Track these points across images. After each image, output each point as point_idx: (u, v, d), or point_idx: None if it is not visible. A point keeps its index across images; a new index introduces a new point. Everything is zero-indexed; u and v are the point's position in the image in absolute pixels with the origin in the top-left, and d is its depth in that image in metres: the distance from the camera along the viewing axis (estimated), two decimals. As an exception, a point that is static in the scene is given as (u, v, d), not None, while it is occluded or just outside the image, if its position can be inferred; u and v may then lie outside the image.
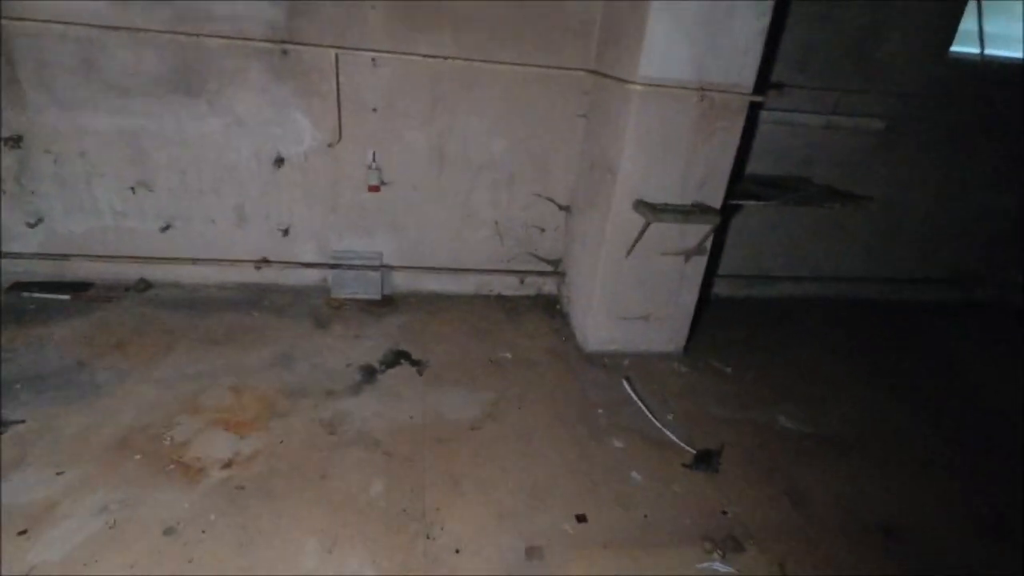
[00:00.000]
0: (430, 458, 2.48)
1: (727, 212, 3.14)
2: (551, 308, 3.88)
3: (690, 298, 3.30)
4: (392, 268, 3.77)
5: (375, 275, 3.71)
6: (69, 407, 2.54)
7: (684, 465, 2.57)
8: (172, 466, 2.28)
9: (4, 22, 2.88)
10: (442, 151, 3.52)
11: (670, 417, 2.90)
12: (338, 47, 3.16)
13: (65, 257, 3.46)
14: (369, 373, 3.00)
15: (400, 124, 3.41)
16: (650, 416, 2.87)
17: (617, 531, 2.21)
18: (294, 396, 2.76)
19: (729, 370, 3.36)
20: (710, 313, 3.89)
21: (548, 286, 3.99)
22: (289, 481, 2.27)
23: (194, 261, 3.57)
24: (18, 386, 2.63)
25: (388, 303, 3.71)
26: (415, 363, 3.13)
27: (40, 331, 3.05)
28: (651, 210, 2.90)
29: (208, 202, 3.45)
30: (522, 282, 3.95)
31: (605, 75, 3.19)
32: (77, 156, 3.24)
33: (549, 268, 3.94)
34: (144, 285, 3.56)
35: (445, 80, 3.34)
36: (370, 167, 3.46)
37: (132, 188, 3.35)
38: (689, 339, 3.46)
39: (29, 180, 3.25)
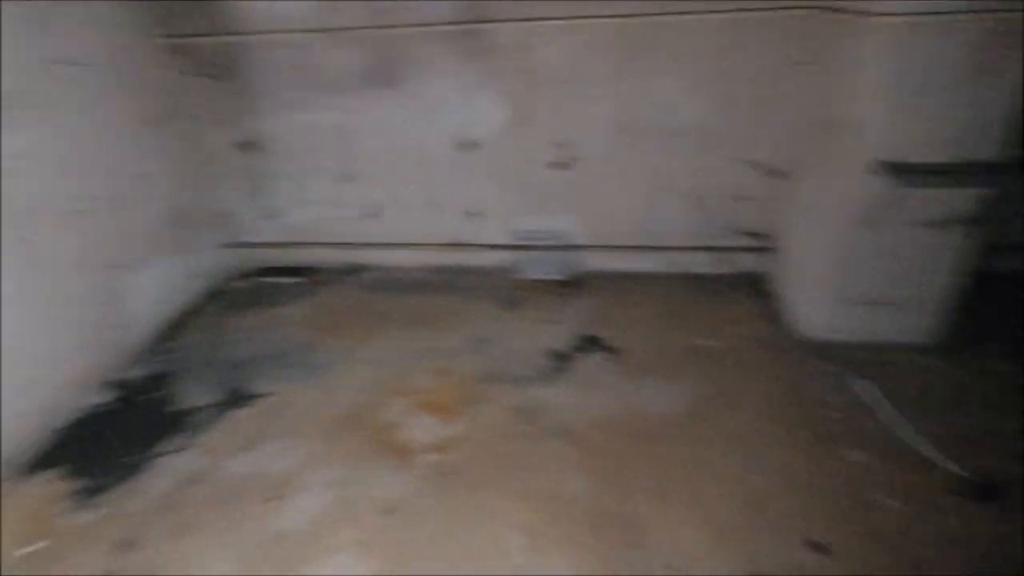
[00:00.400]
0: (632, 457, 2.31)
1: (1010, 171, 2.42)
2: (757, 288, 3.43)
3: (952, 277, 2.64)
4: (579, 247, 3.63)
5: (561, 255, 3.60)
6: (303, 383, 2.84)
7: (954, 493, 2.06)
8: (387, 447, 2.42)
9: (237, 37, 3.25)
10: (632, 119, 3.23)
11: (926, 427, 2.36)
12: (522, 19, 3.03)
13: (292, 245, 3.90)
14: (562, 359, 2.91)
15: (586, 94, 3.19)
16: (898, 424, 2.37)
17: (873, 571, 1.84)
18: (490, 381, 2.78)
19: (1005, 368, 2.65)
20: (980, 293, 3.09)
21: (753, 263, 3.53)
22: (491, 471, 2.28)
23: (394, 246, 3.79)
24: (264, 362, 3.01)
25: (575, 284, 3.58)
26: (609, 350, 2.96)
27: (278, 312, 3.48)
28: (902, 172, 2.33)
29: (404, 188, 3.60)
30: (722, 260, 3.54)
31: (837, 10, 2.62)
32: (298, 153, 3.59)
33: (756, 243, 3.47)
34: (354, 269, 3.88)
35: (636, 40, 3.03)
36: (555, 143, 3.32)
37: (341, 180, 3.63)
38: (949, 328, 2.79)
39: (266, 178, 3.69)
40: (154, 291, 3.22)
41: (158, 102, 3.22)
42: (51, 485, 2.31)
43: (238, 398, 2.76)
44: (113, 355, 2.93)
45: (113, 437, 2.55)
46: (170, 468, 2.36)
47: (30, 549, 2.03)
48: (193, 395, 2.80)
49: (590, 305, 3.37)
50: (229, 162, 3.64)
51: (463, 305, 3.43)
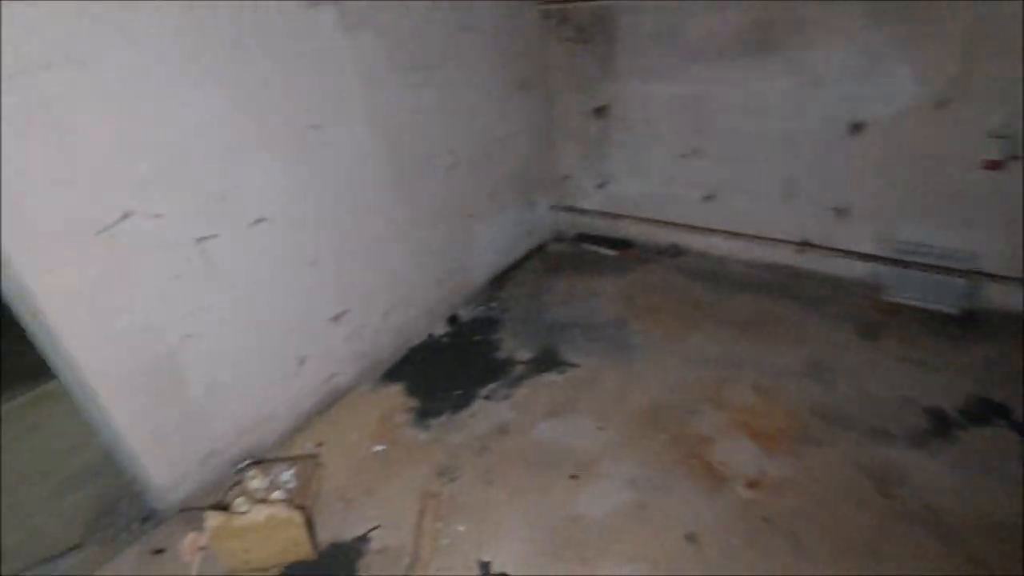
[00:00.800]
0: (1057, 601, 1.59)
1: None
2: None
3: None
4: (989, 276, 2.69)
5: (957, 282, 2.72)
6: (611, 362, 2.75)
7: None
8: (695, 461, 2.16)
9: (610, 2, 3.17)
10: None
11: None
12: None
13: (618, 216, 3.82)
14: (940, 421, 2.20)
15: (1069, 66, 2.24)
16: None
17: None
18: (830, 422, 2.26)
19: None
20: None
21: None
22: (827, 538, 1.82)
23: (728, 234, 3.39)
24: (576, 331, 3.02)
25: (971, 323, 2.69)
26: (1021, 429, 2.13)
27: (593, 282, 3.46)
28: None
29: (756, 172, 3.15)
30: None
31: None
32: (644, 123, 3.43)
33: None
34: (676, 251, 3.63)
35: None
36: (994, 133, 2.44)
37: (684, 155, 3.35)
38: None
39: (604, 146, 3.65)
40: (493, 242, 3.49)
41: (528, 67, 3.39)
42: (396, 397, 2.69)
43: (549, 361, 2.81)
44: (456, 294, 3.29)
45: (445, 368, 2.86)
46: (487, 412, 2.53)
47: (378, 448, 2.39)
48: (511, 347, 2.96)
49: (992, 356, 2.48)
50: (576, 127, 3.69)
51: (804, 317, 2.88)
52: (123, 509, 2.18)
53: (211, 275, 2.08)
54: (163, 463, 2.08)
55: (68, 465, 2.45)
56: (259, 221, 2.18)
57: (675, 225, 3.60)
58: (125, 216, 1.82)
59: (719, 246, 3.47)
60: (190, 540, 1.98)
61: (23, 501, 2.30)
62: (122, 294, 1.85)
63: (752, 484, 2.04)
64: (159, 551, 2.02)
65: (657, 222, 3.67)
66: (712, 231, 3.45)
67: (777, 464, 2.11)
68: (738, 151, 3.15)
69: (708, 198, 3.37)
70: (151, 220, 1.88)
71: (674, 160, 3.41)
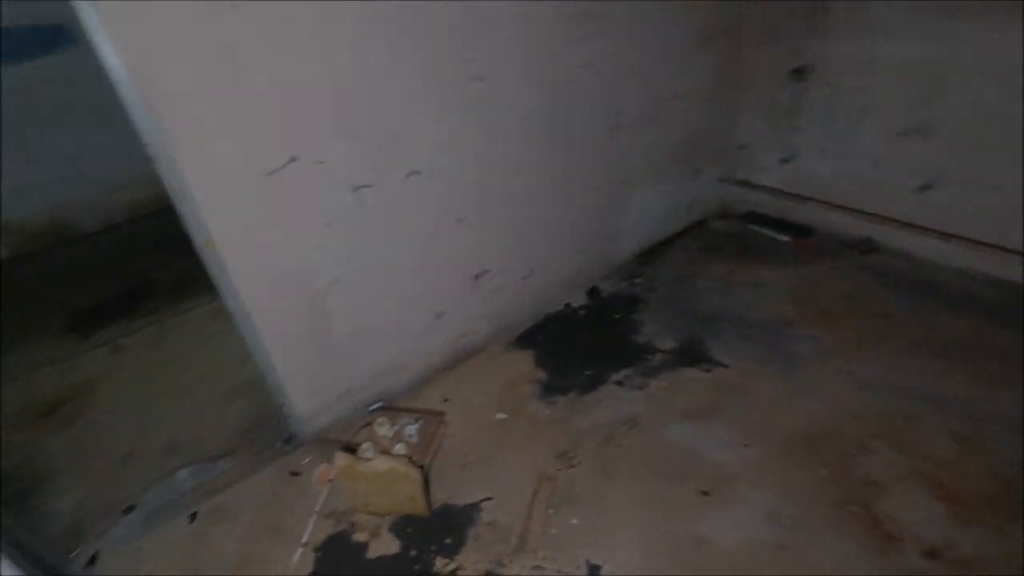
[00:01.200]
0: None
1: None
2: None
3: None
4: None
5: None
6: (765, 368, 2.41)
7: None
8: (857, 508, 1.82)
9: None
10: None
11: None
12: None
13: (799, 198, 3.31)
14: None
15: None
16: None
17: None
18: (1058, 498, 1.77)
19: None
20: None
21: None
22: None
23: (944, 235, 2.77)
24: (728, 325, 2.69)
25: None
26: None
27: (756, 271, 3.05)
28: None
29: (1001, 161, 2.49)
30: None
31: None
32: (853, 91, 2.86)
33: None
34: (868, 247, 3.06)
35: None
36: None
37: (902, 133, 2.75)
38: None
39: (797, 115, 3.13)
40: (647, 213, 3.20)
41: (715, 17, 2.95)
42: (525, 365, 2.61)
43: (693, 355, 2.54)
44: (599, 265, 3.09)
45: (578, 342, 2.72)
46: (616, 399, 2.36)
47: (500, 416, 2.35)
48: (651, 331, 2.73)
49: None
50: (764, 89, 3.20)
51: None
52: (271, 427, 2.39)
53: (363, 224, 2.11)
54: (305, 394, 2.23)
55: (235, 375, 2.73)
56: (413, 174, 2.16)
57: (873, 216, 3.02)
58: (292, 160, 1.87)
59: (928, 248, 2.84)
60: (322, 471, 2.12)
61: (197, 401, 2.63)
62: (282, 235, 1.93)
63: (931, 554, 1.67)
64: (295, 474, 2.18)
65: (850, 210, 3.11)
66: (922, 228, 2.84)
67: (970, 536, 1.70)
68: (979, 132, 2.51)
69: (925, 187, 2.75)
70: (314, 166, 1.92)
71: (887, 137, 2.82)
